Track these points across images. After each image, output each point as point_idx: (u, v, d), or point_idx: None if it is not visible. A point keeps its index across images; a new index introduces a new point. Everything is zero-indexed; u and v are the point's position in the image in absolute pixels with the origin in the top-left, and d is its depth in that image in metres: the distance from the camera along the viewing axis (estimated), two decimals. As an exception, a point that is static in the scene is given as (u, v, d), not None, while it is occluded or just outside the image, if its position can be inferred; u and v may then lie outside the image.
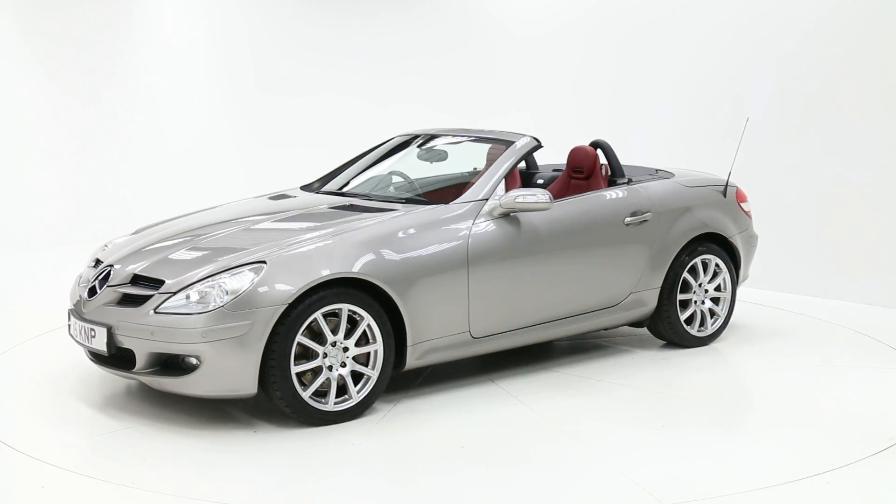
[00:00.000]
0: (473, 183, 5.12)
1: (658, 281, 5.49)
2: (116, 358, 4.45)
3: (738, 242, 5.83)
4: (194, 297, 4.26)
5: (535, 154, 5.93)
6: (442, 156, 5.80)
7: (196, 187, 9.73)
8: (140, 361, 4.33)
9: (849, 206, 7.00)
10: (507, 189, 5.21)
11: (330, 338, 4.37)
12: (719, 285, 5.77)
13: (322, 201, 5.29)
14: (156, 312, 4.28)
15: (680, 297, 5.59)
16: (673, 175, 5.88)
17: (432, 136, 5.89)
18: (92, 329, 4.45)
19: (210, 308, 4.19)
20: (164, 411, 4.56)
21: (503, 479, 3.88)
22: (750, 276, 6.11)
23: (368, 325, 4.45)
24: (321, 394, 4.40)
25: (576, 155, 5.72)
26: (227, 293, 4.22)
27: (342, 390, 4.46)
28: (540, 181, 6.11)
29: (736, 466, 4.03)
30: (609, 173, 5.68)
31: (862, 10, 6.86)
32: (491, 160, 5.33)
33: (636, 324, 5.62)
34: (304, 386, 4.34)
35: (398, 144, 5.91)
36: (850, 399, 4.89)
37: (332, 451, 4.14)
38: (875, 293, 6.82)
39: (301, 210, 5.13)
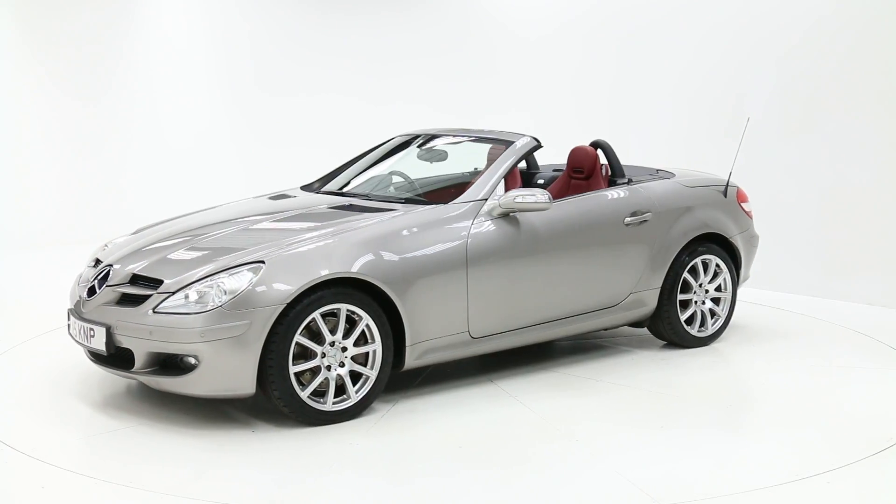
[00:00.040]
0: (473, 183, 5.11)
1: (658, 281, 5.48)
2: (115, 357, 4.45)
3: (738, 243, 5.82)
4: (193, 296, 4.26)
5: (535, 154, 5.93)
6: (442, 156, 5.80)
7: (196, 187, 9.73)
8: (139, 361, 4.33)
9: (849, 206, 6.99)
10: (508, 189, 5.20)
11: (328, 338, 4.36)
12: (720, 285, 5.76)
13: (322, 201, 5.29)
14: (154, 312, 4.28)
15: (680, 297, 5.58)
16: (673, 175, 5.87)
17: (432, 137, 5.88)
18: (91, 329, 4.45)
19: (208, 308, 4.19)
20: (163, 411, 4.56)
21: (501, 479, 3.87)
22: (750, 276, 6.10)
23: (367, 325, 4.44)
24: (320, 393, 4.40)
25: (576, 155, 5.71)
26: (225, 293, 4.22)
27: (341, 390, 4.45)
28: (540, 181, 6.11)
29: (735, 466, 4.02)
30: (609, 173, 5.67)
31: (862, 10, 6.86)
32: (492, 160, 5.32)
33: (636, 324, 5.61)
34: (303, 386, 4.33)
35: (398, 144, 5.90)
36: (851, 399, 4.89)
37: (330, 451, 4.14)
38: (875, 293, 6.82)
39: (300, 210, 5.12)
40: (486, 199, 4.97)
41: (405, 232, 4.69)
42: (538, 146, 5.39)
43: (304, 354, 4.35)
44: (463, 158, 5.82)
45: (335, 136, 9.58)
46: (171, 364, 4.33)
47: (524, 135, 5.42)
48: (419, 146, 5.82)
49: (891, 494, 3.83)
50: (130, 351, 4.35)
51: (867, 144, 6.88)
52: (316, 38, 9.89)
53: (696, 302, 5.68)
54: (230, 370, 4.20)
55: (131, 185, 9.83)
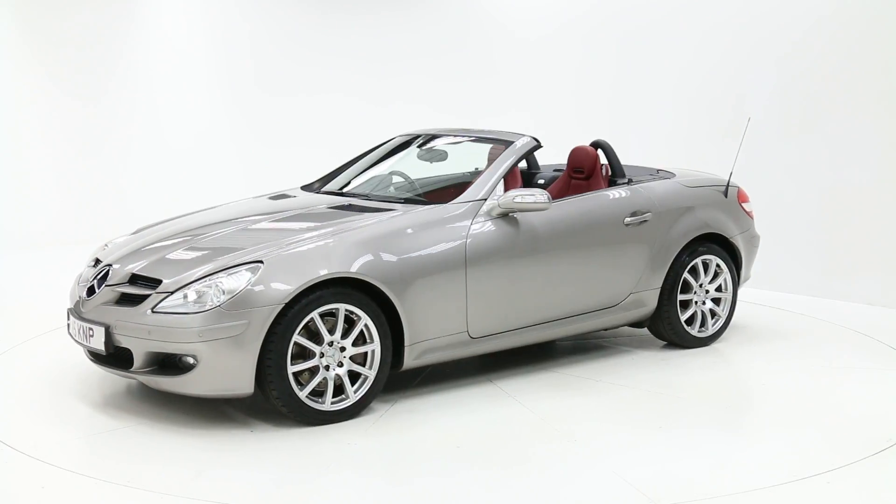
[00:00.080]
0: (473, 183, 5.11)
1: (658, 281, 5.48)
2: (114, 357, 4.44)
3: (739, 243, 5.81)
4: (191, 296, 4.25)
5: (536, 154, 5.92)
6: (442, 156, 5.79)
7: (196, 187, 9.73)
8: (137, 361, 4.33)
9: (849, 206, 6.99)
10: (508, 189, 5.20)
11: (327, 337, 4.36)
12: (720, 286, 5.76)
13: (321, 201, 5.28)
14: (153, 312, 4.28)
15: (680, 297, 5.58)
16: (674, 175, 5.87)
17: (433, 137, 5.88)
18: (90, 328, 4.45)
19: (207, 307, 4.19)
20: (162, 410, 4.56)
21: (500, 479, 3.87)
22: (751, 276, 6.09)
23: (365, 325, 4.44)
24: (318, 393, 4.39)
25: (576, 155, 5.71)
26: (223, 293, 4.22)
27: (339, 390, 4.45)
28: (541, 181, 6.10)
29: (735, 467, 4.01)
30: (609, 173, 5.67)
31: (862, 10, 6.85)
32: (492, 160, 5.32)
33: (636, 324, 5.61)
34: (301, 385, 4.33)
35: (399, 144, 5.90)
36: (851, 399, 4.88)
37: (328, 451, 4.13)
38: (875, 293, 6.81)
39: (300, 210, 5.12)
40: (486, 199, 4.97)
41: (404, 232, 4.68)
42: (538, 146, 5.38)
43: (303, 354, 4.35)
44: (463, 158, 5.82)
45: (335, 136, 9.57)
46: (169, 364, 4.33)
47: (524, 135, 5.41)
48: (419, 146, 5.82)
49: (891, 494, 3.82)
50: (129, 350, 4.34)
51: (867, 144, 6.87)
52: (316, 38, 9.88)
53: (696, 302, 5.67)
54: (228, 370, 4.20)
55: (131, 185, 9.83)
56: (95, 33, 9.54)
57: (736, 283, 5.82)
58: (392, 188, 5.61)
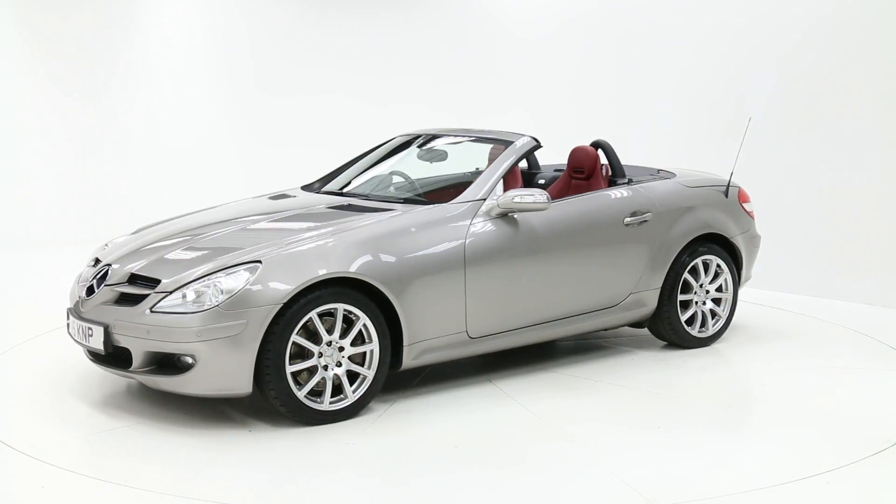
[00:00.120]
0: (472, 183, 5.10)
1: (658, 281, 5.47)
2: (114, 357, 4.44)
3: (739, 243, 5.80)
4: (190, 296, 4.25)
5: (537, 154, 5.92)
6: (442, 156, 5.79)
7: (196, 187, 9.73)
8: (136, 360, 4.33)
9: (849, 206, 6.98)
10: (509, 189, 5.19)
11: (325, 337, 4.35)
12: (721, 286, 5.75)
13: (321, 201, 5.28)
14: (152, 311, 4.28)
15: (681, 297, 5.57)
16: (674, 175, 5.86)
17: (433, 137, 5.88)
18: (89, 328, 4.45)
19: (205, 307, 4.19)
20: (162, 410, 4.56)
21: (497, 479, 3.86)
22: (752, 276, 6.08)
23: (364, 325, 4.43)
24: (317, 393, 4.39)
25: (576, 155, 5.70)
26: (222, 292, 4.21)
27: (338, 389, 4.44)
28: (541, 181, 6.10)
29: (735, 467, 4.01)
30: (610, 173, 5.66)
31: (862, 10, 6.84)
32: (493, 160, 5.31)
33: (636, 324, 5.60)
34: (300, 385, 4.33)
35: (399, 144, 5.90)
36: (851, 400, 4.87)
37: (326, 451, 4.13)
38: (875, 293, 6.80)
39: (299, 210, 5.12)
40: (485, 199, 4.96)
41: (403, 232, 4.68)
42: (538, 146, 5.37)
43: (301, 354, 4.34)
44: (463, 158, 5.81)
45: (335, 136, 9.57)
46: (168, 363, 4.32)
47: (524, 135, 5.41)
48: (419, 146, 5.82)
49: (891, 494, 3.82)
50: (128, 350, 4.34)
51: (867, 144, 6.87)
52: (316, 38, 9.88)
53: (696, 302, 5.66)
54: (227, 369, 4.20)
55: (131, 185, 9.83)
56: (95, 33, 9.54)
57: (736, 284, 5.81)
58: (392, 188, 5.60)
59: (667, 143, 7.85)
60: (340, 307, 4.37)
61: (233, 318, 4.16)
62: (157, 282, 4.39)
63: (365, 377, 4.49)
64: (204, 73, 10.21)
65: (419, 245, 4.66)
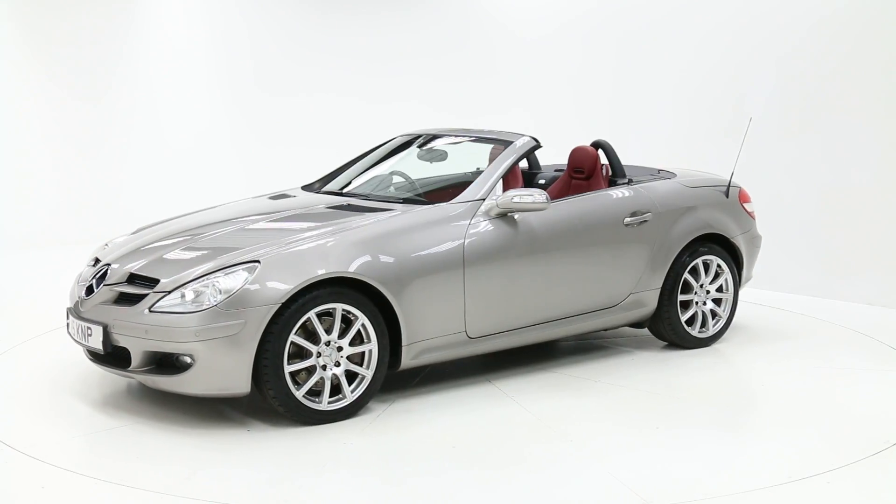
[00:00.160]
0: (472, 183, 5.10)
1: (658, 281, 5.46)
2: (113, 356, 4.44)
3: (740, 243, 5.79)
4: (189, 296, 4.25)
5: (537, 154, 5.91)
6: (441, 156, 5.79)
7: (196, 187, 9.73)
8: (135, 360, 4.33)
9: (849, 206, 6.98)
10: (509, 189, 5.18)
11: (324, 337, 4.35)
12: (721, 286, 5.74)
13: (320, 201, 5.28)
14: (150, 311, 4.28)
15: (681, 297, 5.56)
16: (675, 175, 5.86)
17: (433, 137, 5.87)
18: (89, 328, 4.45)
19: (204, 307, 4.19)
20: (161, 410, 4.56)
21: (495, 479, 3.86)
22: (752, 276, 6.08)
23: (363, 325, 4.43)
24: (315, 393, 4.39)
25: (577, 155, 5.70)
26: (220, 292, 4.21)
27: (336, 389, 4.44)
28: (541, 181, 6.09)
29: (735, 467, 4.00)
30: (610, 173, 5.65)
31: (862, 10, 6.84)
32: (493, 160, 5.31)
33: (637, 324, 5.59)
34: (298, 385, 4.32)
35: (399, 145, 5.89)
36: (851, 400, 4.87)
37: (325, 451, 4.13)
38: (875, 293, 6.80)
39: (298, 210, 5.12)
40: (484, 199, 4.96)
41: (402, 232, 4.67)
42: (537, 146, 5.37)
43: (300, 354, 4.34)
44: (463, 158, 5.81)
45: (335, 136, 9.57)
46: (167, 363, 4.32)
47: (524, 135, 5.40)
48: (420, 146, 5.81)
49: (891, 494, 3.81)
50: (127, 350, 4.34)
51: (867, 144, 6.86)
52: (316, 38, 9.88)
53: (696, 303, 5.66)
54: (225, 369, 4.20)
55: (131, 185, 9.83)
56: (95, 33, 9.54)
57: (737, 284, 5.80)
58: (392, 188, 5.60)
59: (667, 143, 7.84)
60: (339, 307, 4.36)
61: (231, 318, 4.15)
62: (156, 281, 4.39)
63: (363, 377, 4.48)
64: (204, 73, 10.21)
65: (418, 245, 4.65)
